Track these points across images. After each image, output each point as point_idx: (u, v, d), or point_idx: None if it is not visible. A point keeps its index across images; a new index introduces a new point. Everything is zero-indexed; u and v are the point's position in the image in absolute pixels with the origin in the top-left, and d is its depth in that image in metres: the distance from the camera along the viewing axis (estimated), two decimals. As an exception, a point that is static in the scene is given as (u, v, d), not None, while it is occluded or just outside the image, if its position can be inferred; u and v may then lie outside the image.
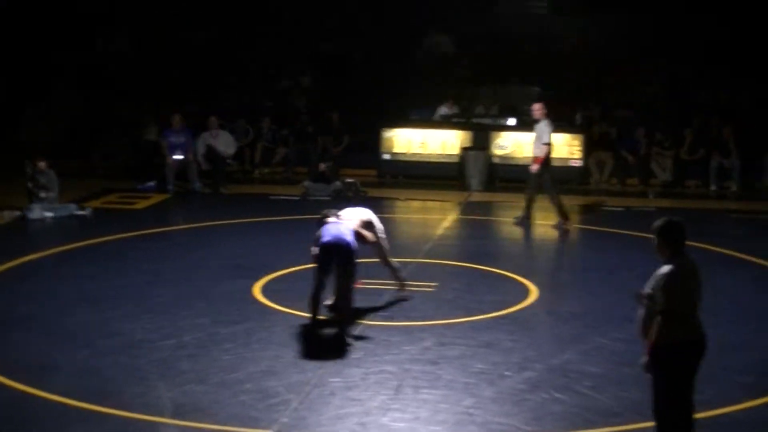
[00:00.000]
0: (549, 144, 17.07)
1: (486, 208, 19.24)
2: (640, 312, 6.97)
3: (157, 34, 27.06)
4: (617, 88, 25.06)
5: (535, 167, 17.04)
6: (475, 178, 21.99)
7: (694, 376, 6.97)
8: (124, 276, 12.97)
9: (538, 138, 17.18)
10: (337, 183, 20.64)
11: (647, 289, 6.91)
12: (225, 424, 7.98)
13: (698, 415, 8.00)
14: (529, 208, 17.19)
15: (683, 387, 6.91)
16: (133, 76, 25.94)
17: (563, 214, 16.87)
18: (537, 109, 17.36)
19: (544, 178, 17.08)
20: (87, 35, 26.93)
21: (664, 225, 7.05)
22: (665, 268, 6.85)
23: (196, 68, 26.20)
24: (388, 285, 12.09)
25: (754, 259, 14.50)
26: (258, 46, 27.21)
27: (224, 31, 27.32)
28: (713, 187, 22.26)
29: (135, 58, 26.89)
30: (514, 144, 22.84)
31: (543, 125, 17.12)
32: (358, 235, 11.04)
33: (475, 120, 23.88)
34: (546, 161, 17.07)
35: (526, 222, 17.15)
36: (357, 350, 9.86)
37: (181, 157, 20.84)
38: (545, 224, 17.40)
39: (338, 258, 10.64)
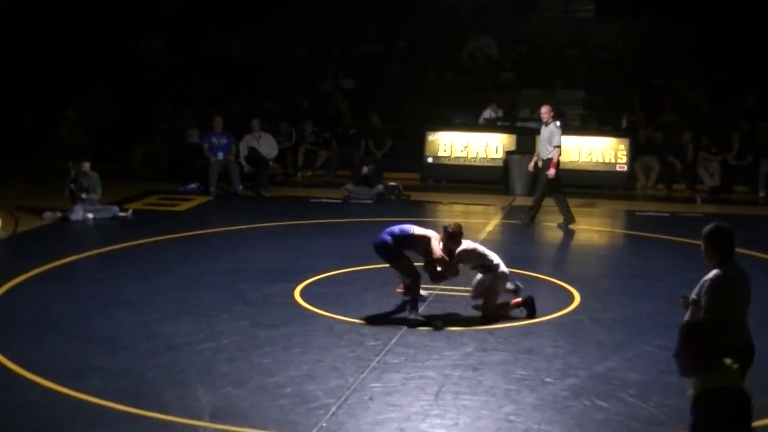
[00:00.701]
0: (560, 147, 17.25)
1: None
2: (685, 317, 6.89)
3: (194, 39, 27.26)
4: (663, 91, 24.88)
5: (551, 172, 17.15)
6: (519, 182, 21.93)
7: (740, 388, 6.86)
8: (164, 278, 13.03)
9: (546, 140, 17.31)
10: (380, 186, 20.64)
11: (693, 294, 6.84)
12: (263, 428, 7.96)
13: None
14: (566, 211, 17.20)
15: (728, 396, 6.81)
16: (173, 78, 26.12)
17: (533, 212, 17.30)
18: (545, 111, 17.52)
19: (544, 181, 17.29)
20: (128, 38, 27.16)
21: (713, 230, 6.98)
22: (712, 274, 6.78)
23: (236, 71, 26.34)
24: (429, 290, 12.04)
25: (803, 267, 14.31)
26: (297, 48, 27.33)
27: (259, 33, 27.47)
28: (762, 194, 22.06)
29: (174, 61, 27.07)
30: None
31: (552, 127, 17.29)
32: (416, 240, 11.09)
33: (519, 124, 23.83)
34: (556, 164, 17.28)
35: (563, 226, 17.14)
36: (397, 355, 9.83)
37: (221, 156, 20.94)
38: (590, 229, 17.30)
39: (382, 257, 11.12)
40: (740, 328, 6.84)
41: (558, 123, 17.45)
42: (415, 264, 11.33)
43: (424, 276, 11.36)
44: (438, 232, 11.30)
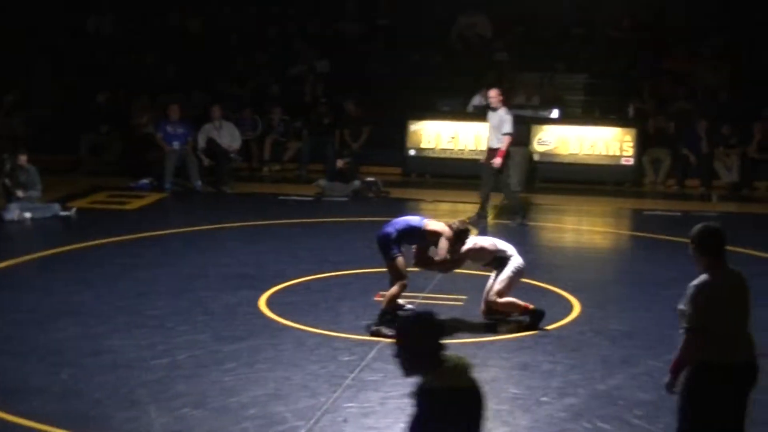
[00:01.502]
0: (511, 134, 17.63)
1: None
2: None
3: (148, 15, 27.18)
4: (675, 76, 24.95)
5: (498, 161, 17.51)
6: (513, 177, 21.92)
7: (735, 408, 6.86)
8: (113, 286, 13.02)
9: (497, 128, 17.68)
10: (357, 182, 20.68)
11: (680, 304, 6.91)
12: (224, 454, 8.02)
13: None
14: (484, 205, 17.56)
15: (713, 419, 6.83)
16: (124, 62, 26.04)
17: (483, 210, 17.63)
18: (494, 95, 17.91)
19: (492, 172, 17.68)
20: (73, 19, 27.08)
21: (700, 231, 7.04)
22: (696, 280, 6.83)
23: (196, 53, 26.28)
24: (413, 299, 12.10)
25: (830, 273, 14.41)
26: (267, 27, 27.29)
27: (222, 8, 27.43)
28: (785, 190, 22.20)
29: (125, 43, 26.97)
30: (558, 139, 22.85)
31: (503, 113, 17.65)
32: (425, 236, 11.22)
33: (513, 112, 23.86)
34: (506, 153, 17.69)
35: (474, 219, 17.26)
36: (375, 372, 9.87)
37: (177, 146, 20.95)
38: (592, 230, 17.39)
39: (381, 252, 11.26)
40: (733, 341, 6.83)
41: (507, 108, 17.95)
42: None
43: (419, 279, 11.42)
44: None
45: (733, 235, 17.90)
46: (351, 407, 8.94)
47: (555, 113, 23.50)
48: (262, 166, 23.89)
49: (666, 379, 6.97)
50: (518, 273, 11.54)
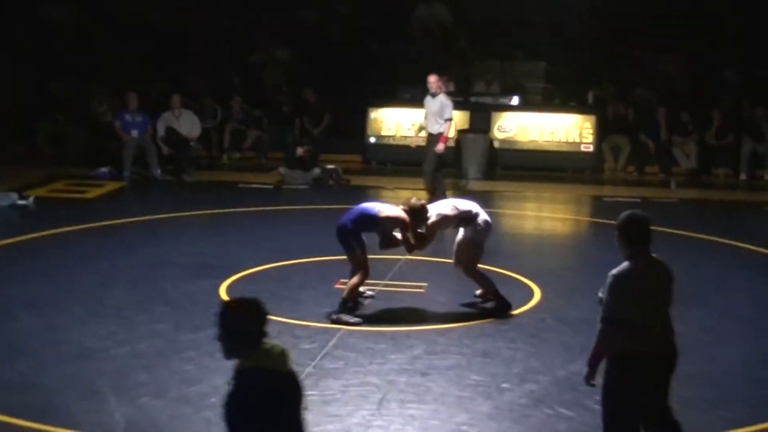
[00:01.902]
0: (452, 120, 17.96)
1: (485, 198, 19.11)
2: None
3: (106, 2, 26.99)
4: (635, 63, 25.06)
5: (440, 147, 17.68)
6: (473, 164, 22.02)
7: (647, 395, 6.92)
8: (71, 276, 12.95)
9: (436, 113, 17.83)
10: (317, 170, 20.66)
11: (599, 292, 6.93)
12: (185, 444, 8.00)
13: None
14: (438, 193, 17.52)
15: (628, 405, 6.87)
16: (82, 48, 25.85)
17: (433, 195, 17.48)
18: (433, 81, 18.04)
19: (433, 156, 17.80)
20: (27, 6, 26.82)
21: (625, 219, 7.01)
22: (617, 269, 6.83)
23: (155, 40, 26.13)
24: (374, 287, 12.10)
25: (788, 258, 14.54)
26: (227, 14, 27.16)
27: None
28: (744, 176, 22.32)
29: (82, 32, 26.76)
30: (519, 127, 22.90)
31: (443, 99, 17.84)
32: (384, 223, 11.23)
33: (473, 99, 23.91)
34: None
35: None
36: (336, 359, 9.87)
37: (136, 135, 20.86)
38: (552, 217, 17.45)
39: (340, 245, 11.20)
40: (652, 331, 6.82)
41: (446, 95, 18.10)
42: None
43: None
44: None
45: (692, 221, 18.14)
46: (312, 395, 8.90)
47: (515, 100, 23.56)
48: (222, 155, 23.82)
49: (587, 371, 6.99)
50: (486, 230, 11.59)
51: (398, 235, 11.43)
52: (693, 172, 22.60)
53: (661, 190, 21.06)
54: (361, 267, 11.14)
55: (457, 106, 23.20)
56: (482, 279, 11.64)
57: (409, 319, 11.33)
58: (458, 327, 11.05)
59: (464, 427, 8.31)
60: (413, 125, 18.62)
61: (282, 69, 25.55)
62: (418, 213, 11.31)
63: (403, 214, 11.22)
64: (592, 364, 6.88)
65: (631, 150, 22.98)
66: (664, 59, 25.05)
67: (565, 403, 8.88)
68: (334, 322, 10.94)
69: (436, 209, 11.54)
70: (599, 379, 6.98)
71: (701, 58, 24.68)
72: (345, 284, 11.45)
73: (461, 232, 11.63)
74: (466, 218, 11.48)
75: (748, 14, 24.21)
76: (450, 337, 10.70)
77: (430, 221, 11.40)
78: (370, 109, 23.47)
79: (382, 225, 11.27)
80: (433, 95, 17.96)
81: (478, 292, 11.91)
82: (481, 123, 22.71)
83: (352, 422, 8.35)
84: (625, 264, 6.84)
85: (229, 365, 9.47)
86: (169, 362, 9.76)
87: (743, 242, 15.26)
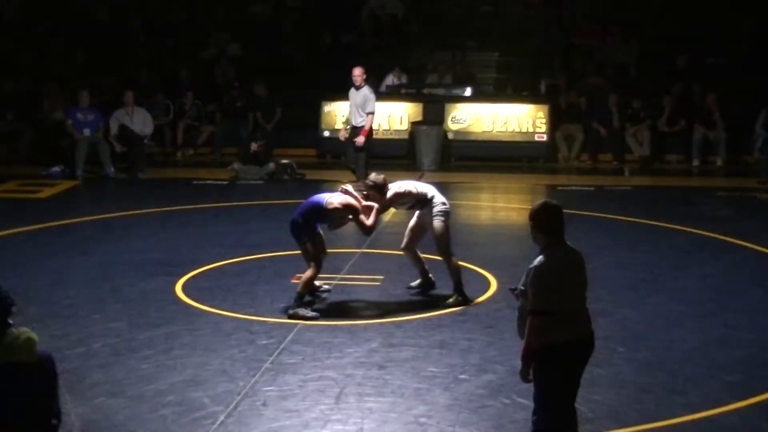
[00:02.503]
0: (374, 113, 18.32)
1: (440, 190, 18.93)
2: (519, 310, 6.99)
3: (53, 3, 26.82)
4: (585, 51, 25.16)
5: (360, 140, 18.06)
6: (427, 156, 22.04)
7: (576, 381, 6.93)
8: (24, 276, 12.80)
9: (359, 106, 18.15)
10: (271, 165, 20.62)
11: (520, 284, 6.93)
12: (143, 443, 7.95)
13: (681, 419, 8.13)
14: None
15: (564, 393, 6.87)
16: (31, 45, 25.66)
17: None
18: (358, 74, 18.36)
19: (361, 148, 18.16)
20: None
21: (538, 209, 6.98)
22: (537, 261, 6.81)
23: (105, 37, 25.98)
24: (330, 280, 12.08)
25: (742, 243, 14.62)
26: (176, 11, 27.06)
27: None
28: (696, 162, 22.48)
29: (32, 25, 26.57)
30: (472, 117, 22.94)
31: (366, 92, 18.17)
32: (333, 213, 11.19)
33: (426, 91, 23.92)
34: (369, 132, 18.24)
35: None
36: (293, 354, 9.84)
37: (89, 133, 20.72)
38: (508, 207, 17.48)
39: (294, 236, 11.19)
40: (571, 317, 6.82)
41: (369, 87, 18.41)
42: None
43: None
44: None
45: (646, 207, 18.24)
46: (270, 391, 8.89)
47: (468, 91, 23.59)
48: (176, 151, 23.73)
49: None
50: (446, 214, 11.58)
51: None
52: (646, 159, 22.71)
53: (615, 177, 21.17)
54: (313, 260, 11.13)
55: (410, 98, 23.33)
56: (455, 268, 11.63)
57: (365, 312, 11.33)
58: (415, 319, 11.05)
59: (423, 419, 8.30)
60: (343, 117, 18.79)
61: (233, 64, 25.46)
62: (380, 188, 11.33)
63: (350, 200, 11.23)
64: (527, 360, 6.83)
65: (584, 138, 23.07)
66: (615, 47, 25.18)
67: (523, 392, 8.86)
68: (291, 317, 10.91)
69: (395, 187, 11.56)
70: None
71: (651, 44, 24.80)
72: (300, 279, 11.43)
73: (416, 216, 11.64)
74: (422, 200, 11.50)
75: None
76: (407, 329, 10.70)
77: (392, 192, 11.43)
78: (323, 102, 23.42)
79: (332, 215, 11.25)
80: (358, 88, 18.28)
81: (414, 283, 12.00)
82: (434, 114, 22.72)
83: (311, 417, 8.32)
84: (541, 256, 6.82)
85: (187, 362, 9.49)
86: (125, 361, 9.70)
87: (697, 228, 15.39)
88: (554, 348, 6.70)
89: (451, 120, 22.97)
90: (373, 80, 24.23)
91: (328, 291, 11.90)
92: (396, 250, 12.75)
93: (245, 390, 8.89)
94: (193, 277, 12.72)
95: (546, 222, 6.92)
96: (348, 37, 26.36)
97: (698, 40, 24.40)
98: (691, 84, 23.35)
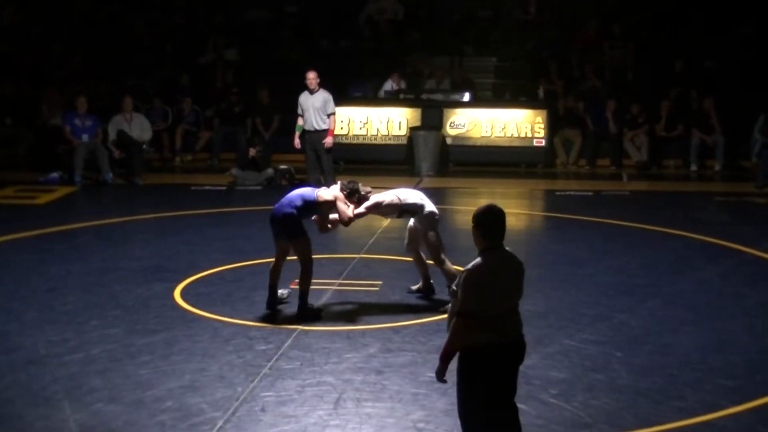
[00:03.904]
0: (335, 114, 18.67)
1: (438, 195, 19.16)
2: (449, 310, 6.98)
3: (54, 4, 26.80)
4: (584, 57, 25.18)
5: (329, 140, 18.43)
6: (425, 161, 22.06)
7: (502, 385, 6.89)
8: (23, 282, 12.82)
9: (320, 109, 18.36)
10: (269, 170, 20.63)
11: (453, 285, 6.93)
12: (141, 448, 7.95)
13: (678, 424, 8.13)
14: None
15: (484, 398, 6.83)
16: (30, 50, 25.67)
17: None
18: (312, 78, 18.53)
19: (314, 153, 18.63)
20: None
21: (480, 213, 6.98)
22: (470, 264, 6.80)
23: (104, 42, 25.99)
24: (327, 285, 12.09)
25: (739, 247, 14.62)
26: (174, 16, 27.06)
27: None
28: (694, 167, 22.50)
29: (31, 30, 26.58)
30: (471, 123, 22.95)
31: (324, 95, 18.40)
32: (323, 206, 11.25)
33: (425, 96, 23.94)
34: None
35: None
36: (292, 360, 9.83)
37: (87, 139, 20.73)
38: (507, 212, 17.42)
39: (276, 231, 11.29)
40: (496, 320, 6.75)
41: (324, 90, 18.55)
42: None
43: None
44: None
45: (644, 212, 18.27)
46: (268, 396, 8.89)
47: (466, 97, 23.60)
48: (174, 157, 23.74)
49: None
50: (434, 220, 11.61)
51: (335, 216, 11.46)
52: (644, 164, 22.73)
53: (613, 182, 21.17)
54: (306, 260, 11.12)
55: (408, 103, 23.36)
56: (451, 274, 11.64)
57: (364, 317, 11.32)
58: (413, 324, 11.04)
59: (420, 424, 8.31)
60: (297, 125, 18.71)
61: (232, 70, 25.48)
62: (353, 193, 11.43)
63: (338, 194, 11.33)
64: (446, 360, 6.80)
65: (582, 143, 23.11)
66: (612, 52, 25.21)
67: (520, 397, 8.81)
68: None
69: (378, 196, 11.61)
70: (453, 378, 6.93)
71: (649, 49, 24.82)
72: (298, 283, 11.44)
73: (411, 221, 11.68)
74: (410, 210, 11.52)
75: (696, 4, 24.44)
76: (405, 334, 10.69)
77: (369, 203, 11.52)
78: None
79: (322, 207, 11.30)
80: (312, 92, 18.45)
81: (414, 287, 12.02)
82: (432, 120, 22.74)
83: (309, 422, 8.32)
84: (478, 260, 6.82)
85: (185, 368, 9.50)
86: (123, 367, 9.70)
87: (694, 232, 15.39)
88: (475, 350, 6.68)
89: (450, 125, 22.99)
90: (372, 86, 24.32)
91: (289, 295, 11.84)
92: (394, 255, 12.78)
93: (243, 395, 8.89)
94: (191, 282, 12.72)
95: (486, 226, 6.96)
96: (346, 43, 26.38)
97: (696, 45, 24.42)
98: (688, 89, 23.38)
